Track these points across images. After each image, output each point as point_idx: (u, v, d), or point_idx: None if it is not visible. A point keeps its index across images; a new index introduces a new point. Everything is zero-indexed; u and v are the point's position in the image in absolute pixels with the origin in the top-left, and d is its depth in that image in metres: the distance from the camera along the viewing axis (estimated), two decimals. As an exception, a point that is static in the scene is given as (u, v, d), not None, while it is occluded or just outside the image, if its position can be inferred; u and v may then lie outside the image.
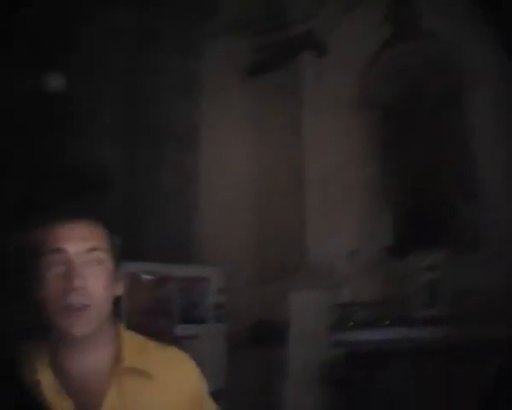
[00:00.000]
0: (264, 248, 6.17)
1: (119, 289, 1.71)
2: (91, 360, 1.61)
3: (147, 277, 5.32)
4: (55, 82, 6.73)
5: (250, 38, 6.58)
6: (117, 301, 1.73)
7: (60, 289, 1.52)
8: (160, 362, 1.71)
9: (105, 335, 1.67)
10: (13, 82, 7.15)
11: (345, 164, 5.81)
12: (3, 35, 7.30)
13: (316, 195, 5.78)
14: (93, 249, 1.60)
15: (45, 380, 1.54)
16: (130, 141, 6.77)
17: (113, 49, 6.82)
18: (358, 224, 5.48)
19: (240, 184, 6.39)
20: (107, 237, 1.69)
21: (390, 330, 4.83)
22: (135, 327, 4.96)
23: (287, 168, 6.12)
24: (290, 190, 6.01)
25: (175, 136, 6.70)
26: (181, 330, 5.28)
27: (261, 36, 6.53)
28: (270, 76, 6.43)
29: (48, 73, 6.76)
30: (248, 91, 6.62)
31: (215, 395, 5.26)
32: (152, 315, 5.24)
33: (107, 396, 1.55)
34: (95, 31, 6.89)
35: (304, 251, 5.63)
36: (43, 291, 1.55)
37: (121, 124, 6.76)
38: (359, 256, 5.31)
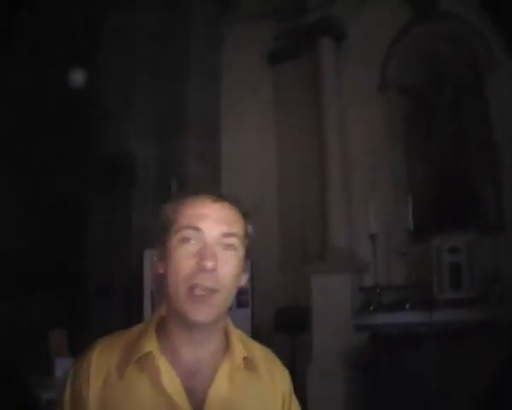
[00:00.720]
0: (288, 235, 6.19)
1: (244, 281, 1.64)
2: (205, 348, 1.57)
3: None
4: (83, 78, 6.84)
5: (270, 26, 6.58)
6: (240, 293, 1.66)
7: (190, 268, 1.48)
8: (260, 357, 1.68)
9: (221, 323, 1.64)
10: (46, 80, 7.28)
11: (367, 149, 5.80)
12: (39, 36, 7.44)
13: (338, 180, 5.77)
14: (229, 234, 1.55)
15: (163, 367, 1.48)
16: (156, 132, 6.83)
17: (138, 42, 6.89)
18: (381, 207, 5.45)
19: (262, 171, 6.41)
20: (244, 223, 1.62)
21: (414, 313, 4.83)
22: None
23: (309, 155, 6.13)
24: (313, 176, 6.00)
25: (199, 125, 6.74)
26: (204, 316, 5.32)
27: (281, 23, 6.54)
28: (291, 63, 6.43)
29: (76, 70, 6.87)
30: (269, 79, 6.63)
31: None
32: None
33: (215, 382, 1.52)
34: (121, 25, 6.98)
35: (327, 236, 5.63)
36: (171, 267, 1.51)
37: (147, 116, 6.83)
38: (382, 240, 5.30)
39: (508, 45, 5.32)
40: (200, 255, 1.48)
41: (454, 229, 5.12)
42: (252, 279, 5.56)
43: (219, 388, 1.52)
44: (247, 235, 1.62)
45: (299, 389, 5.08)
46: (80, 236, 6.61)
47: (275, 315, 5.60)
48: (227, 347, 1.61)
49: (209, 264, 1.46)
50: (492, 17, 5.41)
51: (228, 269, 1.52)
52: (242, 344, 1.67)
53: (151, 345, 1.50)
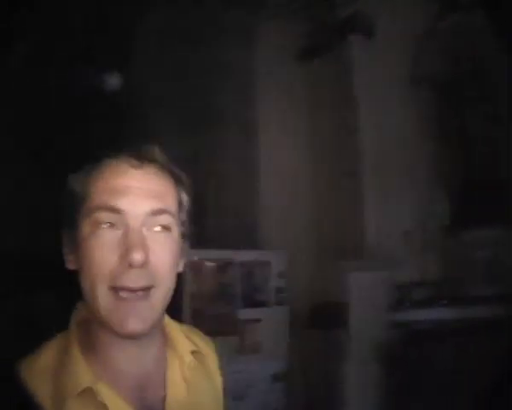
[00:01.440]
0: (323, 232, 6.25)
1: (181, 266, 1.39)
2: (148, 355, 1.32)
3: (209, 263, 5.46)
4: (117, 80, 6.96)
5: (300, 24, 6.62)
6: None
7: (110, 265, 1.18)
8: (200, 343, 1.51)
9: (161, 323, 1.39)
10: (80, 80, 7.43)
11: (400, 144, 5.83)
12: (72, 35, 7.58)
13: (372, 176, 5.80)
14: (160, 211, 1.25)
15: (109, 402, 1.20)
16: (192, 130, 6.93)
17: (171, 43, 6.99)
18: (414, 203, 5.49)
19: (297, 169, 6.47)
20: (177, 193, 1.37)
21: (448, 309, 4.87)
22: (198, 312, 5.18)
23: (342, 150, 6.17)
24: (346, 172, 6.05)
25: (234, 123, 6.82)
26: (243, 314, 5.44)
27: (311, 21, 6.57)
28: (322, 60, 6.47)
29: (110, 71, 6.99)
30: (301, 76, 6.68)
31: (278, 377, 5.46)
32: (215, 300, 5.40)
33: (169, 390, 1.31)
34: (153, 25, 7.09)
35: (361, 233, 5.68)
36: (85, 264, 1.21)
37: (182, 116, 6.93)
38: (415, 236, 5.34)
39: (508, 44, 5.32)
40: (124, 245, 1.18)
41: (486, 225, 5.14)
42: (289, 277, 5.68)
43: (175, 395, 1.32)
44: (181, 208, 1.38)
45: (336, 383, 5.22)
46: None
47: (311, 312, 5.67)
48: (168, 342, 1.41)
49: (137, 257, 1.16)
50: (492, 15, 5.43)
51: (163, 258, 1.24)
52: (183, 334, 1.48)
53: (85, 378, 1.19)
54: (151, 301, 1.22)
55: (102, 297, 1.18)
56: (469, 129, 5.71)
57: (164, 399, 1.30)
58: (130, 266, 1.16)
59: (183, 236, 1.37)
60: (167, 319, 1.44)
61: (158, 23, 7.03)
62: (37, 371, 1.22)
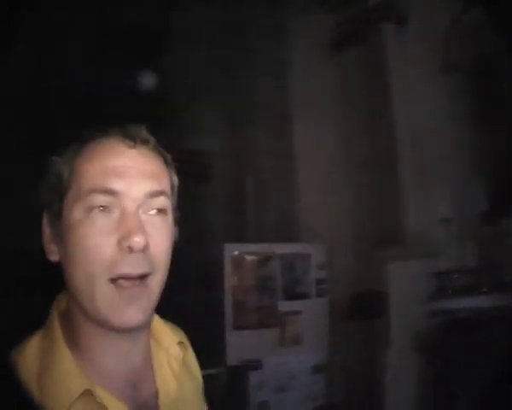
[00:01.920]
0: (361, 221, 6.25)
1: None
2: (137, 349, 1.26)
3: (250, 257, 5.51)
4: (153, 79, 7.04)
5: (332, 14, 6.60)
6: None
7: (108, 253, 1.11)
8: (177, 333, 1.46)
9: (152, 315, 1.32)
10: (114, 81, 7.53)
11: (436, 131, 5.78)
12: (111, 36, 7.70)
13: (408, 164, 5.76)
14: (157, 193, 1.20)
15: (97, 390, 1.14)
16: (227, 126, 6.99)
17: (204, 39, 7.04)
18: (452, 190, 5.44)
19: (333, 159, 6.47)
20: (169, 175, 1.31)
21: (487, 296, 4.82)
22: (240, 304, 5.26)
23: (378, 140, 6.15)
24: (383, 161, 6.03)
25: (269, 117, 6.85)
26: (284, 306, 5.49)
27: (342, 10, 6.54)
28: (354, 50, 6.45)
29: (145, 70, 7.08)
30: (334, 67, 6.67)
31: (319, 368, 5.51)
32: (256, 293, 5.45)
33: (160, 381, 1.28)
34: (187, 22, 7.15)
35: (399, 221, 5.65)
36: (75, 253, 1.12)
37: (217, 111, 6.99)
38: (454, 223, 5.29)
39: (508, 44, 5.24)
40: (122, 230, 1.11)
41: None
42: (329, 267, 5.70)
43: (167, 389, 1.27)
44: (173, 191, 1.33)
45: (377, 373, 5.23)
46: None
47: (351, 302, 5.68)
48: (153, 335, 1.36)
49: (138, 240, 1.10)
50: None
51: (160, 242, 1.19)
52: (167, 327, 1.42)
53: (81, 381, 1.11)
54: (149, 289, 1.16)
55: (100, 288, 1.10)
56: (506, 115, 5.63)
57: (156, 393, 1.25)
58: (131, 250, 1.10)
59: (175, 221, 1.31)
60: None
61: (190, 20, 7.09)
62: (21, 375, 1.12)
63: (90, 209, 1.11)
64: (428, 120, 5.83)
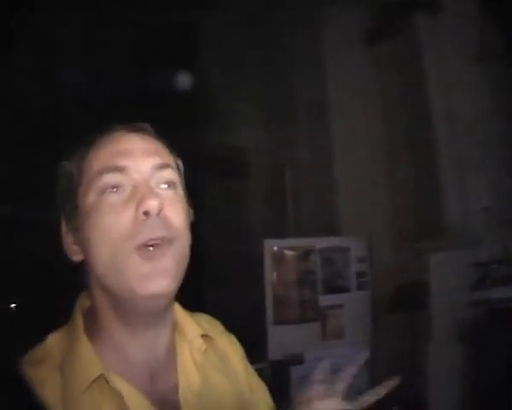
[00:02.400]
0: (401, 213, 6.21)
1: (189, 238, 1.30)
2: (160, 337, 1.27)
3: (290, 252, 5.53)
4: (189, 77, 7.09)
5: (366, 6, 6.57)
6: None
7: (127, 222, 1.14)
8: (206, 325, 1.47)
9: (172, 304, 1.33)
10: (149, 80, 7.62)
11: (474, 119, 5.71)
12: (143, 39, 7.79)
13: (448, 153, 5.70)
14: (164, 165, 1.25)
15: (113, 377, 1.17)
16: (265, 121, 7.01)
17: (239, 34, 7.07)
18: (492, 179, 5.38)
19: (372, 152, 6.44)
20: (174, 157, 1.36)
21: (529, 286, 4.77)
22: (281, 299, 5.28)
23: (416, 130, 6.09)
24: (422, 152, 5.98)
25: (306, 112, 6.85)
26: (325, 300, 5.50)
27: (376, 2, 6.51)
28: (389, 41, 6.41)
29: (181, 70, 7.13)
30: (369, 59, 6.64)
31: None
32: (297, 287, 5.47)
33: (182, 373, 1.28)
34: (220, 17, 7.19)
35: (439, 212, 5.60)
36: (96, 235, 1.16)
37: (255, 106, 7.02)
38: (494, 212, 5.23)
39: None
40: (136, 199, 1.16)
41: None
42: (369, 260, 5.69)
43: (188, 382, 1.27)
44: (180, 173, 1.36)
45: (419, 366, 5.21)
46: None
47: (393, 294, 5.66)
48: (176, 327, 1.36)
49: (153, 203, 1.14)
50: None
51: (175, 210, 1.22)
52: (191, 319, 1.42)
53: (96, 366, 1.15)
54: (173, 253, 1.18)
55: (126, 260, 1.13)
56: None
57: (176, 386, 1.26)
58: (147, 214, 1.13)
59: (187, 201, 1.34)
60: (175, 304, 1.38)
61: (223, 17, 7.12)
62: (43, 363, 1.17)
63: (103, 191, 1.16)
64: (467, 109, 5.77)
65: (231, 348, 1.52)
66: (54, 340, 1.23)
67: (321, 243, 5.64)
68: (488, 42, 5.71)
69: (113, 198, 1.16)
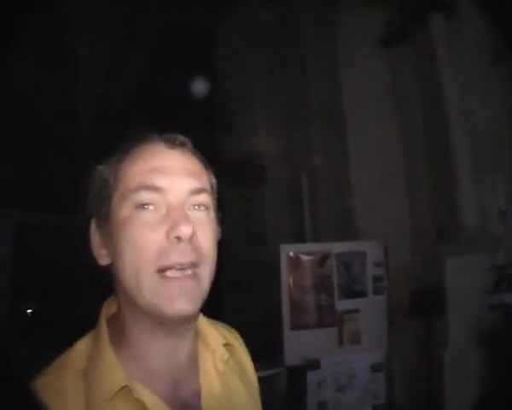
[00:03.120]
0: (418, 216, 6.21)
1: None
2: (183, 347, 1.28)
3: (306, 257, 5.53)
4: (205, 85, 7.13)
5: (381, 9, 6.56)
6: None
7: (156, 244, 1.15)
8: (227, 334, 1.47)
9: (198, 314, 1.34)
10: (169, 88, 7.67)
11: (489, 122, 5.70)
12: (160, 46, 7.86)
13: (464, 156, 5.68)
14: (199, 190, 1.24)
15: (136, 387, 1.17)
16: (281, 127, 7.03)
17: (254, 40, 7.10)
18: (509, 183, 5.34)
19: (388, 156, 6.44)
20: (208, 175, 1.34)
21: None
22: (297, 304, 5.28)
23: (432, 132, 6.09)
24: (438, 156, 5.97)
25: (322, 116, 6.86)
26: (342, 304, 5.49)
27: (391, 5, 6.50)
28: (405, 44, 6.41)
29: (197, 77, 7.17)
30: (385, 62, 6.63)
31: (378, 367, 5.45)
32: (313, 292, 5.47)
33: (204, 380, 1.29)
34: (235, 25, 7.23)
35: (457, 215, 5.58)
36: (125, 249, 1.17)
37: (271, 111, 7.04)
38: (511, 216, 5.19)
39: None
40: (169, 222, 1.17)
41: None
42: (386, 265, 5.67)
43: (210, 389, 1.28)
44: (213, 191, 1.35)
45: (436, 370, 5.18)
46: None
47: (409, 299, 5.64)
48: (199, 336, 1.37)
49: (186, 229, 1.15)
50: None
51: (205, 235, 1.22)
52: (213, 328, 1.42)
53: (120, 377, 1.16)
54: (198, 280, 1.19)
55: (148, 280, 1.15)
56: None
57: (198, 393, 1.26)
58: (179, 239, 1.15)
59: (217, 219, 1.34)
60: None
61: (238, 23, 7.16)
62: (68, 369, 1.19)
63: (137, 206, 1.17)
64: (482, 112, 5.74)
65: (247, 359, 1.51)
66: (80, 347, 1.24)
67: (337, 247, 5.62)
68: (503, 44, 5.68)
69: (146, 216, 1.17)
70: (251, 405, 1.41)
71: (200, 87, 7.23)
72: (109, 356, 1.19)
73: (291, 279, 5.45)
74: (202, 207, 1.24)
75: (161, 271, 1.15)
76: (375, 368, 5.26)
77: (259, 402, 1.49)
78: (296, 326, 5.31)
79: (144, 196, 1.17)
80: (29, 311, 7.27)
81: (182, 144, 1.28)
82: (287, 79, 7.05)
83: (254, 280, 6.12)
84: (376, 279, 5.61)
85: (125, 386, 1.15)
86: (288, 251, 5.51)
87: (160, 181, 1.19)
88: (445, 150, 5.80)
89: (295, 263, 5.50)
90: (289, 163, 6.90)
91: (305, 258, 5.53)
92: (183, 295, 1.16)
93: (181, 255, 1.16)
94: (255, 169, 6.48)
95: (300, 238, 6.52)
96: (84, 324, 1.32)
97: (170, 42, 7.98)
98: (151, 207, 1.18)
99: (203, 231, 1.22)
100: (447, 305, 5.19)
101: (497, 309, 4.71)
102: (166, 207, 1.18)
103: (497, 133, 5.64)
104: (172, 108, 7.55)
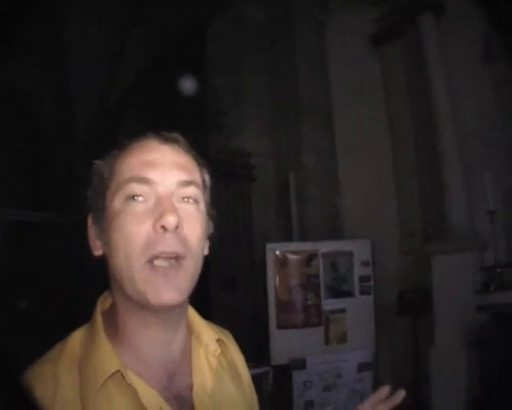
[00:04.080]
0: (406, 216, 6.20)
1: (206, 248, 1.35)
2: (175, 341, 1.30)
3: (293, 256, 5.50)
4: (194, 82, 7.10)
5: (370, 8, 6.57)
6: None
7: (144, 234, 1.19)
8: (219, 332, 1.46)
9: (187, 305, 1.36)
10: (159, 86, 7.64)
11: (479, 122, 5.68)
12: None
13: (454, 156, 5.66)
14: (187, 182, 1.27)
15: (129, 374, 1.19)
16: (270, 126, 7.01)
17: (244, 38, 7.08)
18: (497, 182, 5.33)
19: (377, 154, 6.43)
20: (200, 172, 1.36)
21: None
22: (284, 303, 5.24)
23: (421, 132, 6.08)
24: (427, 155, 5.95)
25: (311, 115, 6.85)
26: (329, 304, 5.46)
27: (380, 4, 6.50)
28: (394, 43, 6.41)
29: (187, 74, 7.14)
30: (374, 61, 6.63)
31: (365, 366, 5.44)
32: (300, 292, 5.44)
33: (196, 379, 1.30)
34: (226, 23, 7.21)
35: (445, 215, 5.56)
36: (116, 240, 1.21)
37: (260, 110, 7.01)
38: (499, 216, 5.17)
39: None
40: (157, 213, 1.20)
41: None
42: (373, 265, 5.65)
43: (202, 383, 1.30)
44: (205, 187, 1.37)
45: (423, 369, 5.16)
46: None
47: (397, 299, 5.62)
48: (192, 332, 1.38)
49: (171, 220, 1.17)
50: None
51: (192, 227, 1.24)
52: (206, 324, 1.43)
53: (113, 363, 1.18)
54: (184, 270, 1.21)
55: (138, 270, 1.18)
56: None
57: (191, 387, 1.28)
58: (164, 229, 1.17)
59: (209, 215, 1.36)
60: (190, 310, 1.41)
61: (229, 23, 7.14)
62: (63, 359, 1.21)
63: (129, 198, 1.21)
64: (471, 112, 5.74)
65: (239, 358, 1.52)
66: (74, 338, 1.26)
67: (324, 246, 5.61)
68: (493, 43, 5.68)
69: (136, 207, 1.21)
70: (241, 402, 1.41)
71: (190, 85, 7.20)
72: (104, 345, 1.21)
73: (277, 278, 5.43)
74: (191, 200, 1.26)
75: (150, 261, 1.18)
76: (361, 367, 5.23)
77: (254, 402, 1.50)
78: (282, 325, 5.28)
79: (134, 187, 1.21)
80: (20, 308, 7.23)
81: (174, 141, 1.31)
82: (276, 78, 7.03)
83: (241, 279, 6.08)
84: (363, 279, 5.59)
85: (118, 372, 1.17)
86: (274, 250, 5.49)
87: (150, 174, 1.22)
88: (433, 149, 5.78)
89: (282, 262, 5.47)
90: (277, 162, 6.87)
91: (291, 257, 5.51)
92: (169, 285, 1.18)
93: (166, 246, 1.18)
94: (243, 167, 6.43)
95: (287, 237, 6.49)
96: (76, 321, 1.34)
97: (162, 40, 7.96)
98: (140, 199, 1.21)
99: (191, 223, 1.24)
100: (434, 304, 5.17)
101: (486, 310, 4.69)
102: (155, 198, 1.22)
103: (487, 133, 5.63)
104: (163, 106, 7.53)
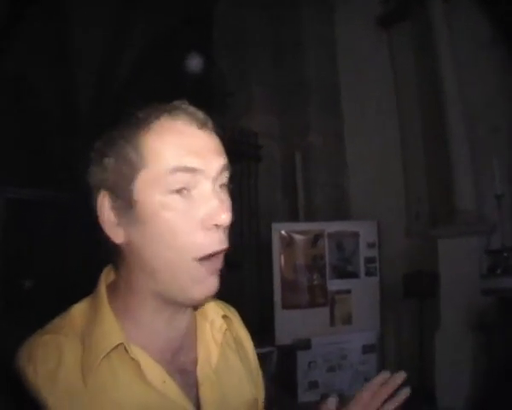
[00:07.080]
0: (413, 199, 6.17)
1: None
2: (183, 318, 1.27)
3: (298, 236, 5.49)
4: (201, 62, 7.07)
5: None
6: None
7: (195, 232, 1.12)
8: (224, 308, 1.44)
9: None
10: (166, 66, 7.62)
11: (487, 106, 5.64)
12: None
13: (461, 139, 5.62)
14: (226, 167, 1.20)
15: (142, 360, 1.16)
16: (277, 107, 6.98)
17: (252, 21, 7.04)
18: (506, 166, 5.30)
19: (385, 137, 6.39)
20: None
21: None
22: (289, 283, 5.24)
23: (429, 115, 6.04)
24: (434, 137, 5.92)
25: (318, 97, 6.82)
26: (334, 285, 5.46)
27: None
28: (402, 25, 6.36)
29: (194, 54, 7.11)
30: (382, 43, 6.58)
31: (370, 348, 5.46)
32: (305, 272, 5.44)
33: (201, 349, 1.28)
34: (232, 6, 7.17)
35: (452, 198, 5.52)
36: (160, 237, 1.13)
37: (267, 91, 6.99)
38: (507, 200, 5.15)
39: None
40: (206, 209, 1.12)
41: None
42: (379, 246, 5.64)
43: (207, 357, 1.28)
44: None
45: (428, 352, 5.16)
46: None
47: (403, 281, 5.61)
48: (198, 307, 1.34)
49: (225, 218, 1.12)
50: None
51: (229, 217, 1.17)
52: (211, 299, 1.37)
53: (117, 336, 1.15)
54: (222, 260, 1.18)
55: (187, 267, 1.13)
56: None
57: (195, 361, 1.26)
58: (217, 227, 1.12)
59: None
60: None
61: (235, 3, 7.11)
62: (65, 330, 1.17)
63: (171, 191, 1.11)
64: (479, 96, 5.69)
65: (245, 334, 1.48)
66: (77, 310, 1.22)
67: (330, 227, 5.58)
68: (501, 27, 5.63)
69: (182, 201, 1.12)
70: (246, 379, 1.38)
71: (196, 65, 7.17)
72: (108, 317, 1.17)
73: (283, 258, 5.41)
74: (224, 187, 1.19)
75: (197, 260, 1.12)
76: (366, 349, 5.25)
77: (259, 378, 1.47)
78: (287, 305, 5.28)
79: (180, 178, 1.11)
80: (23, 286, 7.24)
81: (206, 123, 1.19)
82: (283, 58, 6.99)
83: (246, 258, 6.08)
84: (369, 260, 5.58)
85: (122, 344, 1.14)
86: (280, 230, 5.47)
87: (196, 163, 1.12)
88: (441, 133, 5.74)
89: (288, 242, 5.46)
90: (284, 142, 6.85)
91: (297, 237, 5.49)
92: (215, 279, 1.16)
93: (219, 244, 1.13)
94: (250, 147, 6.41)
95: (293, 217, 6.48)
96: (76, 298, 1.29)
97: (168, 20, 7.92)
98: (185, 192, 1.12)
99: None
100: (440, 288, 5.17)
101: (491, 293, 4.68)
102: (201, 190, 1.13)
103: (495, 117, 5.60)
104: (168, 85, 7.49)
